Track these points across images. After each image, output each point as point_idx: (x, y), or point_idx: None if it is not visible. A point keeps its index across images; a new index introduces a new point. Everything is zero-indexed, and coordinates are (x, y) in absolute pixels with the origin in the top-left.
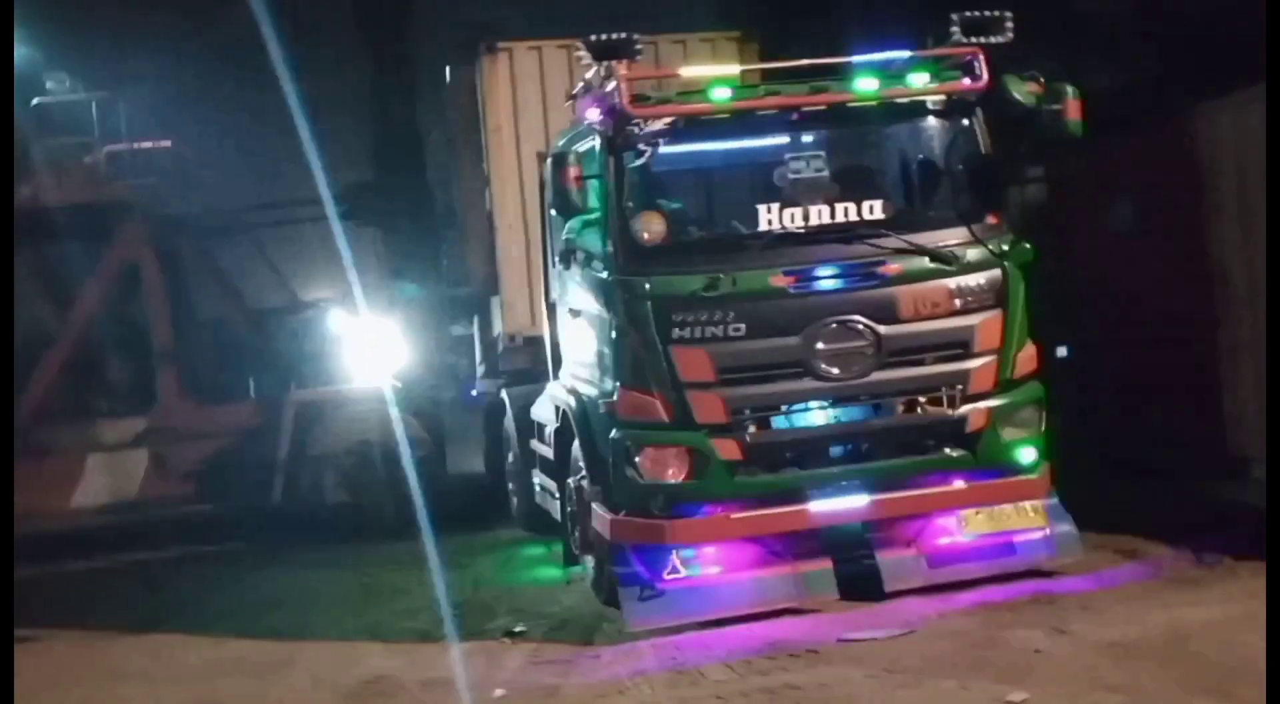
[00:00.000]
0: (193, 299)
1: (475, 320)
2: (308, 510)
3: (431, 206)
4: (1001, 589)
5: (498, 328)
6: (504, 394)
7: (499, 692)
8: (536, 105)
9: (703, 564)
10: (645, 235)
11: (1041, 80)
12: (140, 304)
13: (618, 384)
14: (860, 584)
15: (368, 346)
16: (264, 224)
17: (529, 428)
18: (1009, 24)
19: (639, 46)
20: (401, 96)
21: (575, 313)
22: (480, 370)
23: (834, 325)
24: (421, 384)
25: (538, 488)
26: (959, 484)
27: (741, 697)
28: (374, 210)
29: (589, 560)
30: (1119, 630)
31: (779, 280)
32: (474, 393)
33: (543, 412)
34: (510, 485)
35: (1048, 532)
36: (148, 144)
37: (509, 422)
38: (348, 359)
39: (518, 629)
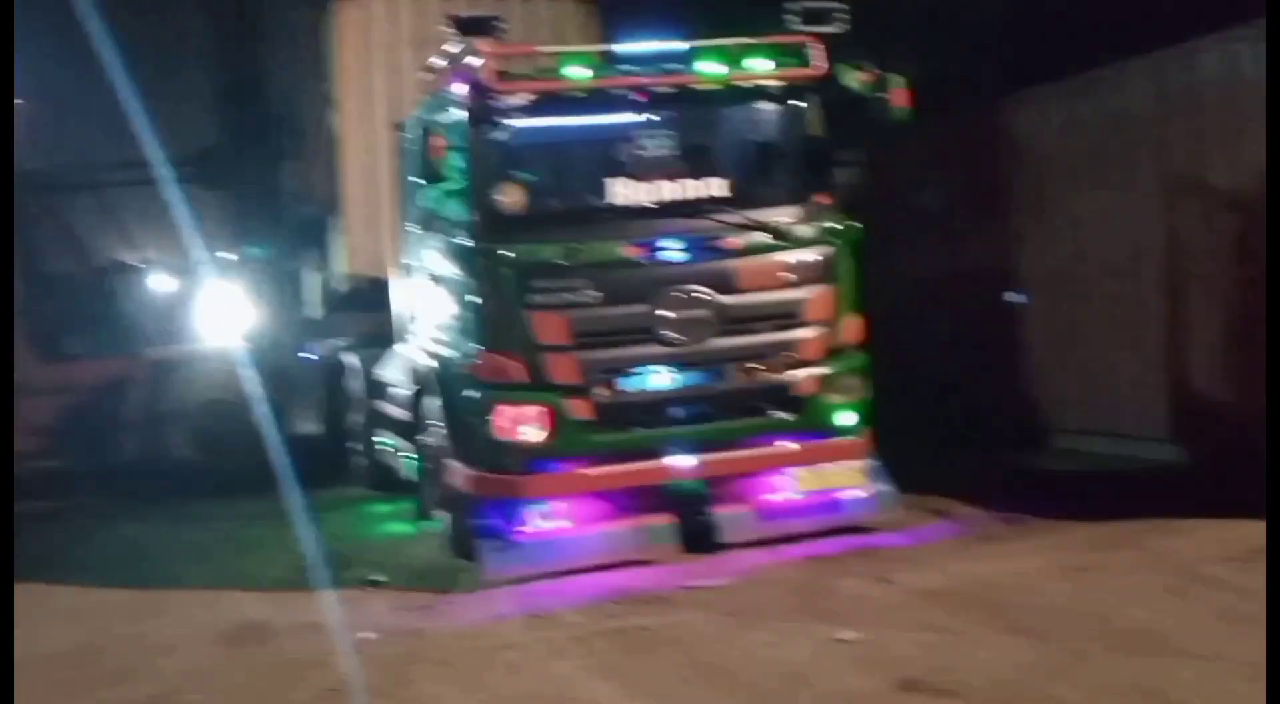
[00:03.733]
0: (41, 255)
1: (315, 259)
2: (160, 467)
3: (276, 168)
4: (828, 543)
5: (338, 268)
6: (349, 356)
7: (368, 634)
8: (388, 54)
9: (555, 517)
10: (505, 205)
11: (873, 69)
12: None
13: (478, 347)
14: (700, 537)
15: (217, 306)
16: (113, 183)
17: (375, 389)
18: (842, 15)
19: (503, 25)
20: (245, 49)
21: (435, 278)
22: (318, 311)
23: (679, 294)
24: (267, 345)
25: (386, 448)
26: (789, 445)
27: (597, 636)
28: (220, 175)
29: (443, 516)
30: (934, 579)
31: (629, 251)
32: (307, 355)
33: (392, 373)
34: (353, 445)
35: (870, 491)
36: None
37: (354, 383)
38: (198, 318)
39: (378, 578)
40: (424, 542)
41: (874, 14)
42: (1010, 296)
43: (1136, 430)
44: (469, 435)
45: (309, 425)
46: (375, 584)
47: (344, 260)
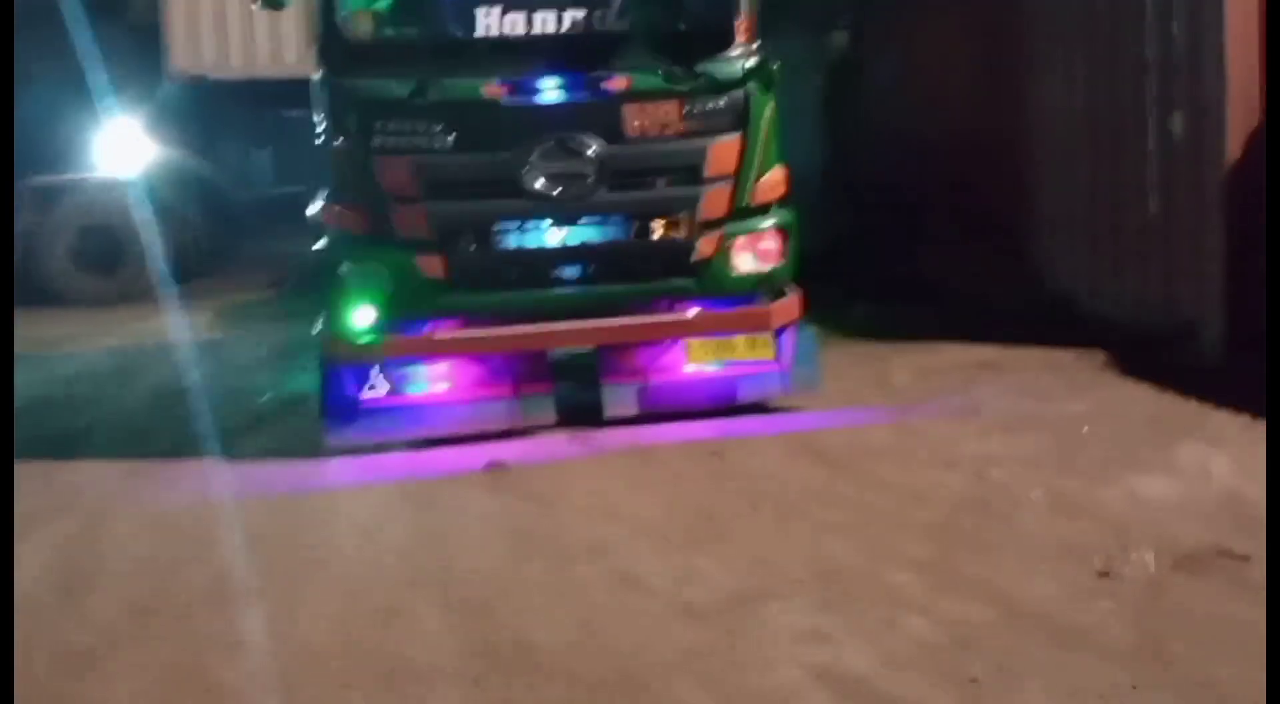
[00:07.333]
0: None
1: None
2: (49, 286)
3: None
4: (716, 424)
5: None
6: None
7: None
8: None
9: (413, 383)
10: (353, 33)
11: None
12: None
13: (327, 194)
14: (585, 411)
15: (113, 138)
16: None
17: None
18: None
19: None
20: None
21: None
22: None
23: (550, 142)
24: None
25: None
26: (686, 313)
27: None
28: None
29: None
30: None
31: (492, 90)
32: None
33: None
34: None
35: (780, 366)
36: None
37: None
38: (91, 147)
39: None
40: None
41: None
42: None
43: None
44: (322, 292)
45: None
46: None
47: (169, 60)
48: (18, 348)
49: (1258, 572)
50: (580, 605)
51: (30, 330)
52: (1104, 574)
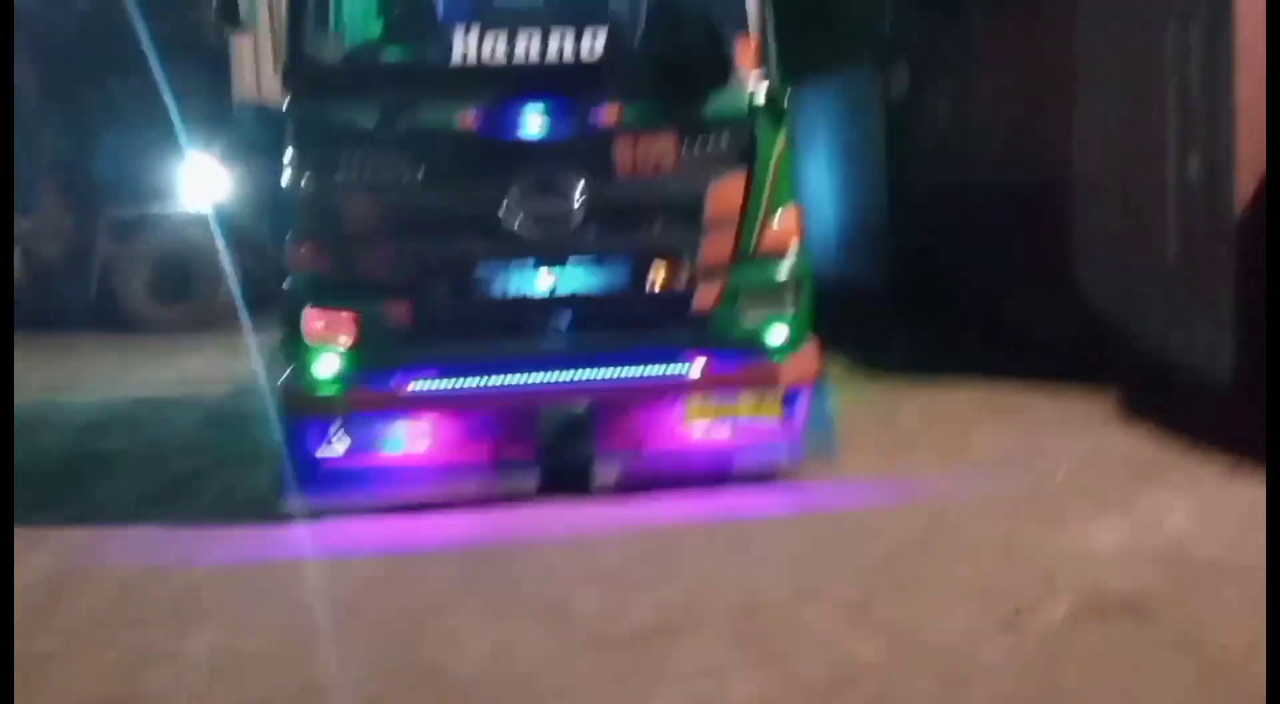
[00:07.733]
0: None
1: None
2: (121, 310)
3: None
4: (711, 497)
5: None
6: None
7: None
8: None
9: (381, 442)
10: (321, 58)
11: None
12: None
13: (292, 230)
14: (573, 478)
15: (190, 172)
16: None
17: None
18: None
19: None
20: None
21: None
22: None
23: (532, 178)
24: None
25: None
26: (688, 369)
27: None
28: None
29: None
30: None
31: (468, 120)
32: None
33: None
34: None
35: (789, 431)
36: None
37: None
38: (169, 182)
39: None
40: None
41: None
42: None
43: None
44: (284, 339)
45: None
46: None
47: (238, 84)
48: (86, 376)
49: (1164, 619)
50: (503, 634)
51: (103, 357)
52: (1013, 619)
